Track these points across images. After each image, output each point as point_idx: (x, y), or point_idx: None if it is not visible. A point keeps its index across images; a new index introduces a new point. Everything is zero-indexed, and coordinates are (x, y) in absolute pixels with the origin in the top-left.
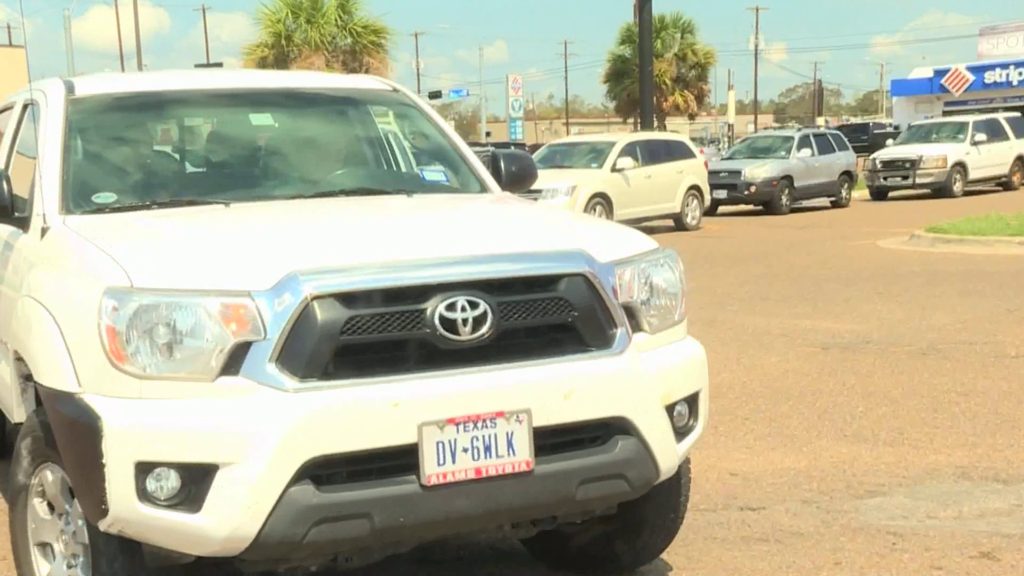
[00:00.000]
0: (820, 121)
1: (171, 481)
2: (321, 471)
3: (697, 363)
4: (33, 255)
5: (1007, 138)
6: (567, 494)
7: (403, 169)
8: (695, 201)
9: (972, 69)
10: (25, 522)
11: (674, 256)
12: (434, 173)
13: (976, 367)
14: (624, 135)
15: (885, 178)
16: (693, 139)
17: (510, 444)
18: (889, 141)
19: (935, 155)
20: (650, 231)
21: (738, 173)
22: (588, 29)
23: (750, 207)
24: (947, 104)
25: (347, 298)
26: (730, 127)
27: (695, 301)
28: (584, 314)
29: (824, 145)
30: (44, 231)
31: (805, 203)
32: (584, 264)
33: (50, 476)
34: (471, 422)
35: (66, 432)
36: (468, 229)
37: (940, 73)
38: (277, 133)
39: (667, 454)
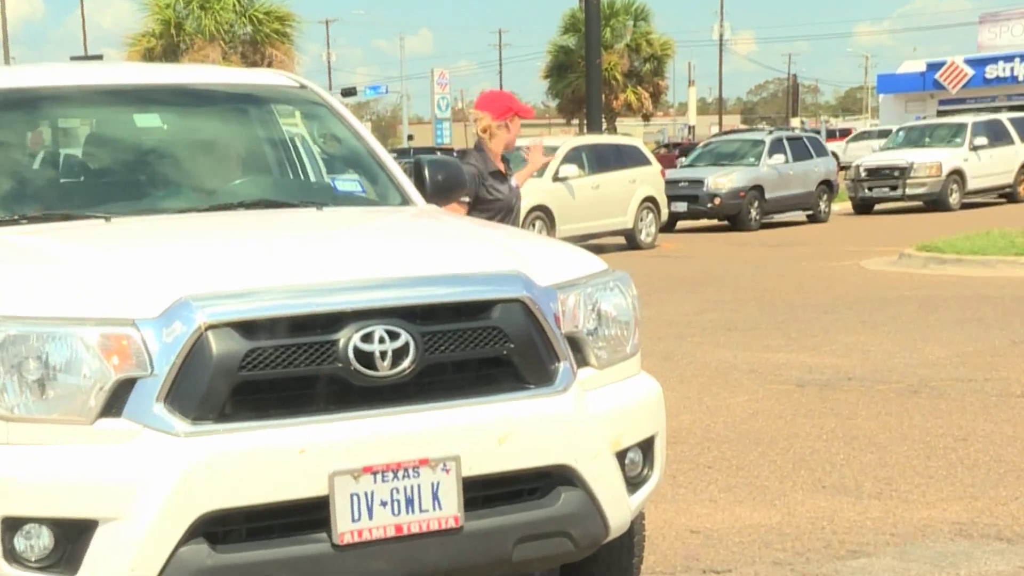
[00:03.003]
0: (795, 122)
1: (43, 539)
2: (217, 528)
3: (652, 403)
4: None
5: (1011, 142)
6: (502, 555)
7: (312, 178)
8: (650, 215)
9: (971, 62)
10: None
11: (626, 279)
12: (348, 183)
13: (976, 408)
14: (568, 139)
15: (870, 188)
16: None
17: (435, 497)
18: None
19: (928, 162)
20: (598, 250)
21: (700, 183)
22: (526, 16)
23: (714, 222)
24: (942, 103)
25: (247, 327)
26: (691, 129)
27: (650, 331)
28: (521, 346)
29: (800, 150)
30: None
31: (778, 217)
32: (521, 288)
33: None
34: (390, 471)
35: None
36: (387, 248)
37: (934, 67)
38: (166, 136)
39: (618, 508)
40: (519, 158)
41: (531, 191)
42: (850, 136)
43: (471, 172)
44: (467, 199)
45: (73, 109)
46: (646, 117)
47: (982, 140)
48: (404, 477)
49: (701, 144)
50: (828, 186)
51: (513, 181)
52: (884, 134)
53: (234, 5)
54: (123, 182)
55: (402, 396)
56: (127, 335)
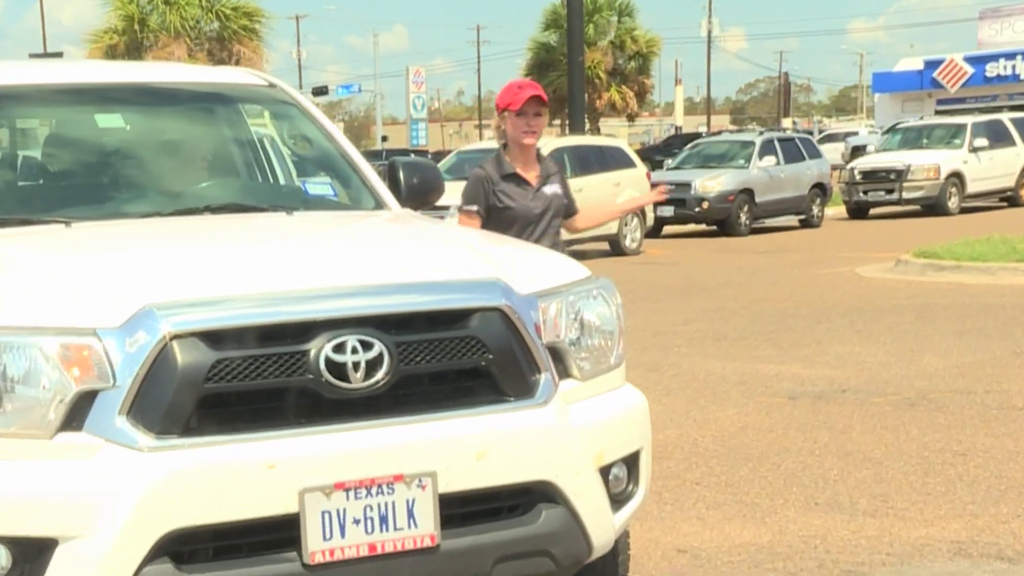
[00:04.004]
0: (787, 123)
1: (0, 559)
2: (182, 547)
3: (637, 416)
4: None
5: (1013, 143)
6: (480, 575)
7: (282, 181)
8: (635, 220)
9: (971, 60)
10: None
11: (610, 287)
12: (319, 186)
13: (976, 421)
14: (549, 140)
15: (865, 192)
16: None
17: (411, 514)
18: None
19: (926, 164)
20: (581, 256)
21: (687, 186)
22: (505, 12)
23: (702, 227)
24: (940, 102)
25: (213, 337)
26: (677, 130)
27: (635, 341)
28: (500, 357)
29: (792, 152)
30: None
31: (769, 222)
32: (500, 296)
33: None
34: (364, 488)
35: None
36: (360, 254)
37: (932, 64)
38: (129, 137)
39: (601, 526)
40: (482, 162)
41: None
42: (817, 139)
43: (478, 176)
44: (474, 207)
45: (32, 109)
46: (631, 117)
47: (982, 141)
48: (378, 494)
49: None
50: (821, 189)
51: (551, 187)
52: (850, 135)
53: (200, 0)
54: (84, 185)
55: (376, 409)
56: (88, 345)
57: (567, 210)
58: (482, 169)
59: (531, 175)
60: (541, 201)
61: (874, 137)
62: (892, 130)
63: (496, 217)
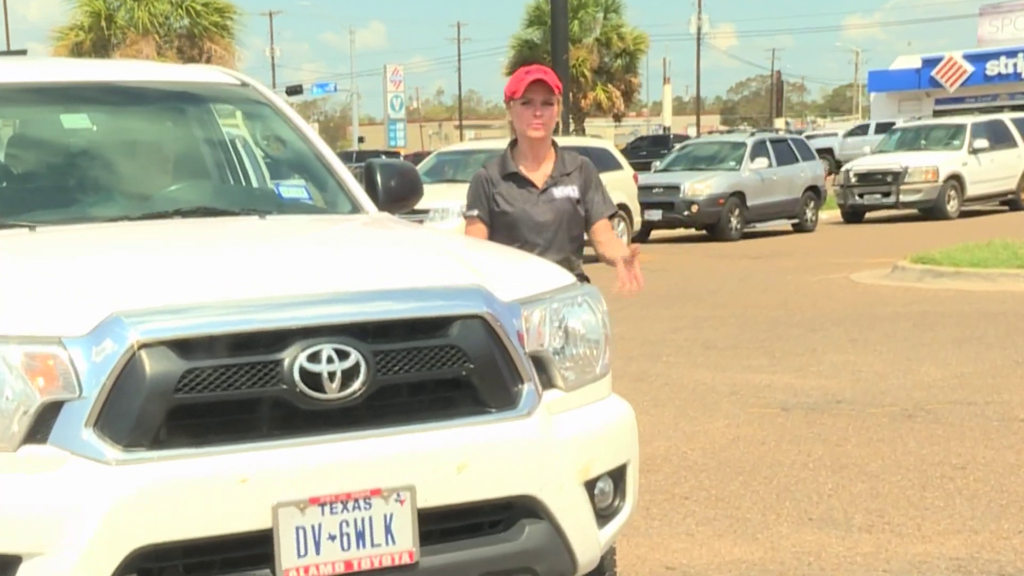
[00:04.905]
0: (779, 123)
1: None
2: (151, 564)
3: (624, 428)
4: None
5: (1014, 145)
6: None
7: (254, 184)
8: (621, 224)
9: (970, 58)
10: None
11: (595, 294)
12: (293, 189)
13: (976, 433)
14: None
15: (861, 195)
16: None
17: (389, 530)
18: None
19: (924, 166)
20: None
21: (676, 189)
22: (486, 8)
23: (691, 232)
24: (939, 102)
25: (184, 346)
26: (666, 130)
27: (622, 350)
28: (482, 366)
29: (784, 154)
30: None
31: (760, 226)
32: (481, 303)
33: None
34: (339, 502)
35: None
36: (336, 259)
37: (930, 63)
38: (96, 138)
39: (586, 543)
40: (462, 163)
41: None
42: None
43: (478, 177)
44: (475, 212)
45: None
46: (617, 117)
47: (982, 143)
48: (354, 509)
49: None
50: (815, 192)
51: (562, 189)
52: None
53: None
54: (49, 188)
55: (352, 421)
56: (53, 354)
57: (588, 218)
58: (484, 169)
59: (539, 175)
60: (547, 206)
61: (834, 139)
62: (853, 133)
63: (498, 223)
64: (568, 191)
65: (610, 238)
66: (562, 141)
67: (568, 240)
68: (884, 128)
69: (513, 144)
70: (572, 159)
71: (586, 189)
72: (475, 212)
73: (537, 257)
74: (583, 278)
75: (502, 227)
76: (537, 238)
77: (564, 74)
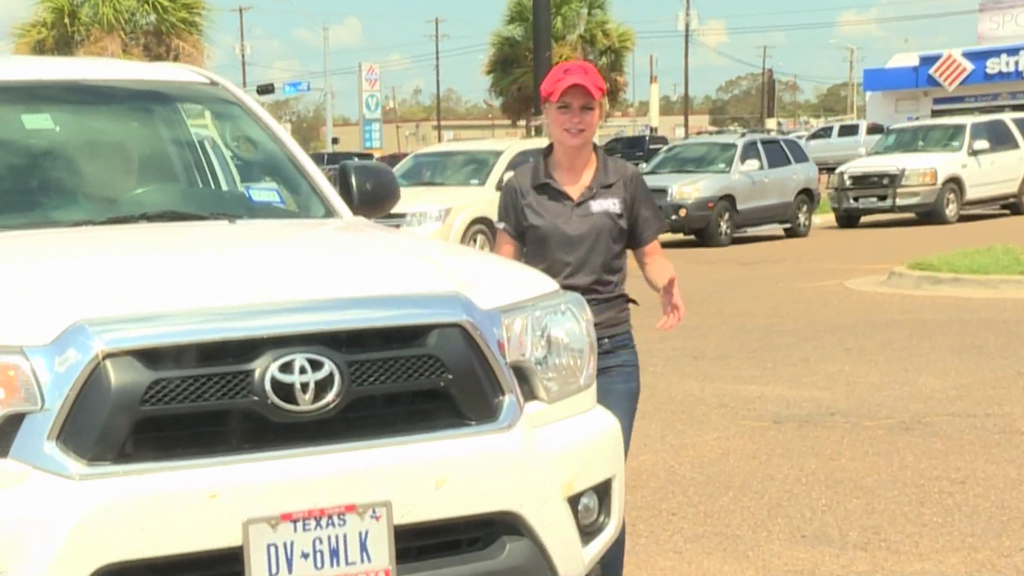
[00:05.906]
0: (771, 124)
1: None
2: None
3: (609, 442)
4: None
5: (1015, 146)
6: None
7: (224, 187)
8: None
9: (970, 55)
10: None
11: (579, 301)
12: (265, 192)
13: (976, 447)
14: (514, 142)
15: (856, 198)
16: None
17: (364, 548)
18: None
19: (921, 168)
20: None
21: (663, 192)
22: (466, 4)
23: (679, 236)
24: (937, 101)
25: (150, 356)
26: (652, 131)
27: None
28: (461, 377)
29: (776, 155)
30: None
31: (751, 231)
32: (460, 311)
33: None
34: (313, 519)
35: None
36: (309, 265)
37: (928, 60)
38: (59, 139)
39: (570, 560)
40: (440, 165)
41: (472, 202)
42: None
43: (507, 187)
44: (503, 225)
45: None
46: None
47: (982, 144)
48: (328, 525)
49: (665, 148)
50: (808, 196)
51: (600, 202)
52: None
53: None
54: (9, 191)
55: (326, 434)
56: (14, 364)
57: (634, 237)
58: (514, 177)
59: (574, 186)
60: (581, 220)
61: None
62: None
63: (528, 238)
64: (608, 204)
65: (658, 260)
66: (545, 143)
67: (602, 261)
68: (850, 131)
69: (549, 150)
70: (617, 168)
71: (632, 203)
72: (503, 225)
73: (520, 264)
74: (629, 300)
75: (532, 242)
76: (567, 256)
77: (546, 72)
